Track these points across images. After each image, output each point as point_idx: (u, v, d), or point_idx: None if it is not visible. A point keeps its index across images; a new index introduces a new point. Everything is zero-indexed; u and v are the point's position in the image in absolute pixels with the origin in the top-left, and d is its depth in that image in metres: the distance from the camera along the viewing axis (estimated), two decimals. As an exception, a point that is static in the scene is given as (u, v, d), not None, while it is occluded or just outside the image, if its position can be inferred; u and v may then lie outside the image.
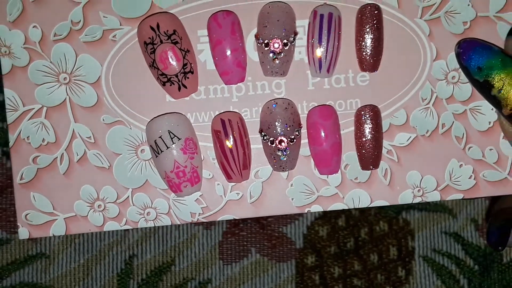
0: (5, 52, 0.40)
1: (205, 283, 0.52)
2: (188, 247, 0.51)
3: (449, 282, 0.52)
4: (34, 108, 0.40)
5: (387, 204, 0.42)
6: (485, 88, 0.39)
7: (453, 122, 0.42)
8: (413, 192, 0.42)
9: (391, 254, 0.52)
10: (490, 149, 0.42)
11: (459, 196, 0.42)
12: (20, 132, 0.40)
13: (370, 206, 0.42)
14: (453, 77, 0.41)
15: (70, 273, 0.53)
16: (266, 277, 0.53)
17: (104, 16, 0.40)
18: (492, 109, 0.41)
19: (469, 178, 0.42)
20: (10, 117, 0.40)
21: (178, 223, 0.42)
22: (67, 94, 0.40)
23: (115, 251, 0.51)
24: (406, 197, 0.42)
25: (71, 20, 0.40)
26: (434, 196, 0.42)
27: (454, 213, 0.50)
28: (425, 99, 0.41)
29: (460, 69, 0.41)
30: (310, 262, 0.52)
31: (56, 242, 0.52)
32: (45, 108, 0.40)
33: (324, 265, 0.51)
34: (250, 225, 0.50)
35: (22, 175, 0.41)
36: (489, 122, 0.42)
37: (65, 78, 0.40)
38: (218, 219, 0.42)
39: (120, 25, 0.40)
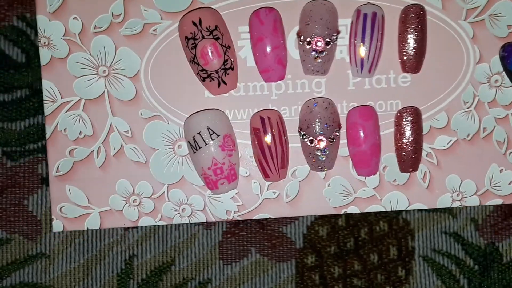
0: (45, 43, 0.40)
1: (205, 283, 0.52)
2: (188, 247, 0.52)
3: (449, 282, 0.52)
4: (72, 100, 0.40)
5: (425, 207, 0.42)
6: (529, 93, 0.38)
7: (495, 126, 0.41)
8: (452, 196, 0.42)
9: (391, 254, 0.52)
10: (532, 155, 0.41)
11: (499, 201, 0.42)
12: (57, 124, 0.40)
13: (408, 209, 0.42)
14: (496, 81, 0.41)
15: (70, 273, 0.54)
16: (266, 277, 0.53)
17: (145, 10, 0.40)
18: (535, 114, 0.41)
19: (509, 184, 0.42)
20: (48, 108, 0.40)
21: (213, 220, 0.41)
22: (106, 87, 0.40)
23: (115, 251, 0.52)
24: (444, 201, 0.41)
25: (112, 13, 0.40)
26: (473, 201, 0.42)
27: (454, 213, 0.50)
28: (467, 102, 0.41)
29: (503, 73, 0.41)
30: (310, 262, 0.52)
31: (56, 242, 0.52)
32: (83, 101, 0.40)
33: (324, 265, 0.51)
34: (250, 225, 0.51)
35: (58, 168, 0.41)
36: (531, 128, 0.41)
37: (104, 71, 0.40)
38: (253, 218, 0.41)
39: (161, 19, 0.40)
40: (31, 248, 0.53)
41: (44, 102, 0.40)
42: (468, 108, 0.41)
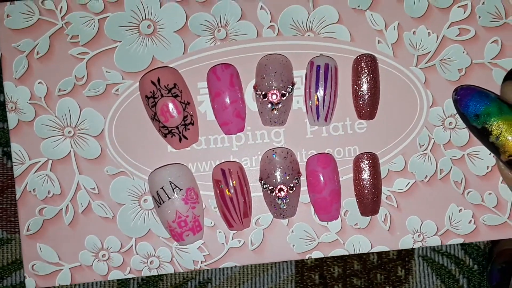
0: (12, 107, 0.43)
1: (205, 283, 0.54)
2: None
3: (448, 281, 0.53)
4: (40, 161, 0.43)
5: (387, 249, 0.44)
6: (483, 135, 0.41)
7: (451, 167, 0.44)
8: (413, 237, 0.44)
9: (390, 253, 0.53)
10: (489, 194, 0.44)
11: (460, 240, 0.44)
12: (26, 185, 0.43)
13: (370, 251, 0.44)
14: (450, 123, 0.43)
15: None
16: (266, 277, 0.54)
17: (107, 71, 0.43)
18: (490, 154, 0.43)
19: (469, 223, 0.44)
20: (17, 170, 0.43)
21: (181, 271, 0.44)
22: (72, 147, 0.43)
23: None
24: (406, 242, 0.44)
25: (75, 76, 0.43)
26: (434, 241, 0.44)
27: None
28: (423, 145, 0.44)
29: (456, 115, 0.43)
30: (310, 261, 0.53)
31: None
32: (50, 161, 0.43)
33: (324, 265, 0.53)
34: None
35: (28, 227, 0.43)
36: (488, 167, 0.44)
37: (69, 132, 0.43)
38: (220, 267, 0.44)
39: (123, 79, 0.43)
40: None
41: (13, 164, 0.43)
42: (424, 150, 0.44)
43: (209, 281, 0.53)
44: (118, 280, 0.52)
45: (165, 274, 0.51)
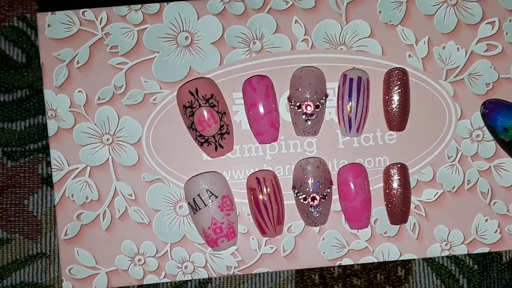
0: (52, 115, 0.45)
1: (205, 283, 0.55)
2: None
3: (448, 281, 0.55)
4: (78, 168, 0.45)
5: (415, 257, 0.46)
6: (511, 147, 0.43)
7: (478, 178, 0.46)
8: (441, 246, 0.46)
9: None
10: (515, 204, 0.46)
11: (486, 249, 0.46)
12: (65, 190, 0.45)
13: (399, 259, 0.46)
14: (478, 136, 0.46)
15: None
16: (266, 277, 0.55)
17: (145, 81, 0.45)
18: (516, 166, 0.46)
19: (494, 232, 0.46)
20: (56, 176, 0.45)
21: (215, 276, 0.46)
22: (110, 154, 0.45)
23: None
24: (434, 251, 0.46)
25: (114, 85, 0.45)
26: (461, 250, 0.46)
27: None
28: (451, 156, 0.46)
29: (484, 128, 0.45)
30: None
31: (56, 242, 0.55)
32: (89, 168, 0.45)
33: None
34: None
35: (66, 231, 0.45)
36: (513, 178, 0.46)
37: (108, 139, 0.45)
38: (253, 272, 0.46)
39: (160, 89, 0.45)
40: (32, 248, 0.56)
41: (52, 170, 0.45)
42: (452, 162, 0.46)
43: (209, 281, 0.55)
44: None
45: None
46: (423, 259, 0.54)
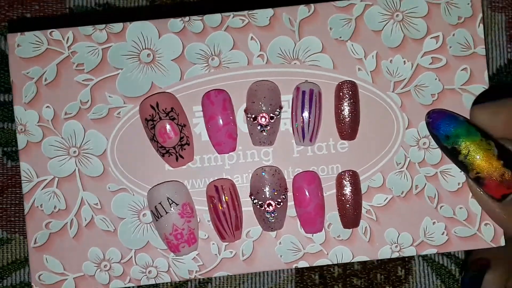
0: (21, 129, 0.48)
1: (205, 283, 0.56)
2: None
3: (448, 281, 0.56)
4: (47, 179, 0.48)
5: (367, 259, 0.49)
6: (453, 154, 0.46)
7: (426, 183, 0.49)
8: (391, 248, 0.49)
9: None
10: (460, 208, 0.49)
11: (433, 250, 0.49)
12: (34, 201, 0.48)
13: (351, 261, 0.49)
14: (424, 143, 0.49)
15: None
16: (266, 277, 0.57)
17: (109, 96, 0.48)
18: (460, 171, 0.49)
19: (442, 234, 0.49)
20: (25, 187, 0.48)
21: (177, 280, 0.49)
22: (76, 166, 0.48)
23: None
24: (385, 253, 0.49)
25: (80, 100, 0.48)
26: (410, 251, 0.49)
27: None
28: (400, 163, 0.49)
29: (430, 136, 0.49)
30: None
31: None
32: (56, 179, 0.48)
33: (324, 265, 0.56)
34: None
35: (36, 239, 0.48)
36: (458, 183, 0.49)
37: (74, 152, 0.48)
38: (213, 276, 0.49)
39: (124, 103, 0.48)
40: None
41: (22, 182, 0.48)
42: (401, 168, 0.49)
43: (209, 281, 0.57)
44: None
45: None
46: (423, 258, 0.57)
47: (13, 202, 0.58)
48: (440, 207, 0.49)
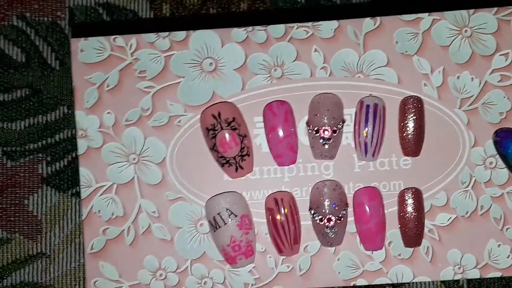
0: (82, 135, 0.49)
1: None
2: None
3: (449, 281, 0.55)
4: (105, 185, 0.49)
5: (429, 280, 0.48)
6: (521, 174, 0.45)
7: (491, 204, 0.48)
8: (453, 269, 0.48)
9: None
10: (527, 231, 0.48)
11: (498, 274, 0.48)
12: (92, 207, 0.49)
13: (412, 281, 0.48)
14: (491, 163, 0.48)
15: (70, 273, 0.57)
16: None
17: (170, 104, 0.49)
18: (528, 193, 0.48)
19: (507, 257, 0.48)
20: (84, 192, 0.49)
21: (233, 293, 0.49)
22: (135, 173, 0.49)
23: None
24: (447, 274, 0.48)
25: (141, 107, 0.49)
26: (474, 274, 0.48)
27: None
28: (465, 182, 0.48)
29: (497, 155, 0.48)
30: None
31: (57, 241, 0.56)
32: (115, 185, 0.49)
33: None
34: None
35: (92, 245, 0.49)
36: (526, 205, 0.48)
37: (134, 159, 0.49)
38: (269, 290, 0.49)
39: (185, 112, 0.49)
40: (32, 248, 0.57)
41: (81, 187, 0.49)
42: (466, 188, 0.48)
43: None
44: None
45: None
46: None
47: (13, 202, 0.58)
48: (506, 229, 0.48)
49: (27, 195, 0.57)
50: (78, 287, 0.59)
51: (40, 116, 0.57)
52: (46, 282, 0.58)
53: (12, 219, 0.57)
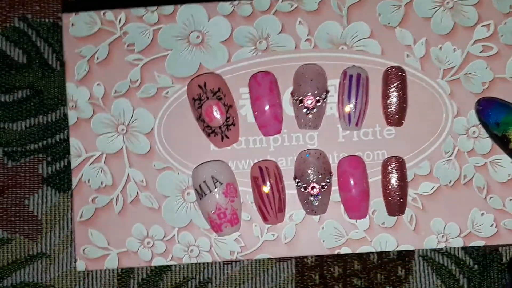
0: (72, 106, 0.50)
1: (205, 283, 0.56)
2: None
3: (448, 281, 0.55)
4: (95, 155, 0.50)
5: (412, 248, 0.49)
6: (503, 142, 0.46)
7: (474, 173, 0.49)
8: (437, 238, 0.49)
9: (390, 253, 0.55)
10: (510, 199, 0.49)
11: (481, 242, 0.49)
12: (82, 176, 0.50)
13: (396, 249, 0.49)
14: (474, 132, 0.49)
15: (70, 273, 0.57)
16: (266, 277, 0.57)
17: (158, 76, 0.50)
18: (511, 162, 0.48)
19: (490, 226, 0.49)
20: (74, 162, 0.50)
21: (219, 260, 0.50)
22: (124, 143, 0.50)
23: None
24: (430, 242, 0.49)
25: (130, 79, 0.50)
26: (457, 242, 0.49)
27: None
28: (448, 152, 0.49)
29: (480, 125, 0.49)
30: (310, 261, 0.56)
31: (57, 241, 0.56)
32: (104, 155, 0.50)
33: (324, 265, 0.55)
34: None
35: (81, 214, 0.50)
36: (509, 174, 0.49)
37: (123, 129, 0.50)
38: (255, 258, 0.50)
39: (172, 83, 0.50)
40: (32, 248, 0.58)
41: (71, 156, 0.50)
42: (449, 157, 0.49)
43: (209, 280, 0.57)
44: (118, 279, 0.57)
45: (165, 274, 0.56)
46: (423, 258, 0.57)
47: (13, 202, 0.59)
48: (489, 198, 0.49)
49: (27, 195, 0.58)
50: (78, 287, 0.60)
51: (40, 116, 0.58)
52: (46, 282, 0.58)
53: (13, 219, 0.58)
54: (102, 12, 0.51)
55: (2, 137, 0.56)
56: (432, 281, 0.57)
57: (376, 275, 0.57)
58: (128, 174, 0.50)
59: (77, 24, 0.51)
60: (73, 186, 0.50)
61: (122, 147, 0.50)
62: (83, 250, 0.50)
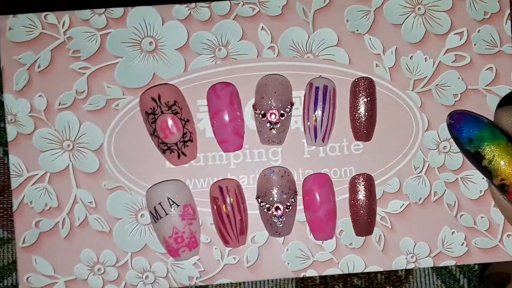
0: (11, 120, 0.46)
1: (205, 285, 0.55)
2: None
3: (449, 281, 0.55)
4: (38, 174, 0.46)
5: (381, 269, 0.47)
6: (476, 159, 0.44)
7: (445, 190, 0.47)
8: (406, 258, 0.47)
9: None
10: (482, 217, 0.47)
11: (452, 262, 0.47)
12: (23, 197, 0.46)
13: (364, 271, 0.47)
14: (445, 147, 0.47)
15: None
16: None
17: (107, 86, 0.46)
18: (483, 178, 0.47)
19: (461, 245, 0.47)
20: (15, 182, 0.46)
21: (176, 286, 0.47)
22: (70, 161, 0.46)
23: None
24: (399, 263, 0.47)
25: (76, 90, 0.46)
26: (427, 263, 0.47)
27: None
28: (418, 167, 0.47)
29: (451, 139, 0.46)
30: None
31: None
32: (48, 174, 0.46)
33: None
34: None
35: (24, 239, 0.46)
36: (480, 191, 0.47)
37: (68, 145, 0.46)
38: (215, 283, 0.47)
39: (123, 94, 0.46)
40: None
41: (11, 176, 0.46)
42: (419, 173, 0.47)
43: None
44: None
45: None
46: None
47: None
48: (460, 216, 0.47)
49: (27, 195, 0.56)
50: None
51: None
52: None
53: (13, 219, 0.55)
54: (43, 14, 0.46)
55: (1, 137, 0.53)
56: (432, 281, 0.57)
57: (376, 275, 0.56)
58: (75, 195, 0.46)
59: (15, 27, 0.46)
60: (14, 209, 0.46)
61: (68, 165, 0.46)
62: (27, 278, 0.46)
